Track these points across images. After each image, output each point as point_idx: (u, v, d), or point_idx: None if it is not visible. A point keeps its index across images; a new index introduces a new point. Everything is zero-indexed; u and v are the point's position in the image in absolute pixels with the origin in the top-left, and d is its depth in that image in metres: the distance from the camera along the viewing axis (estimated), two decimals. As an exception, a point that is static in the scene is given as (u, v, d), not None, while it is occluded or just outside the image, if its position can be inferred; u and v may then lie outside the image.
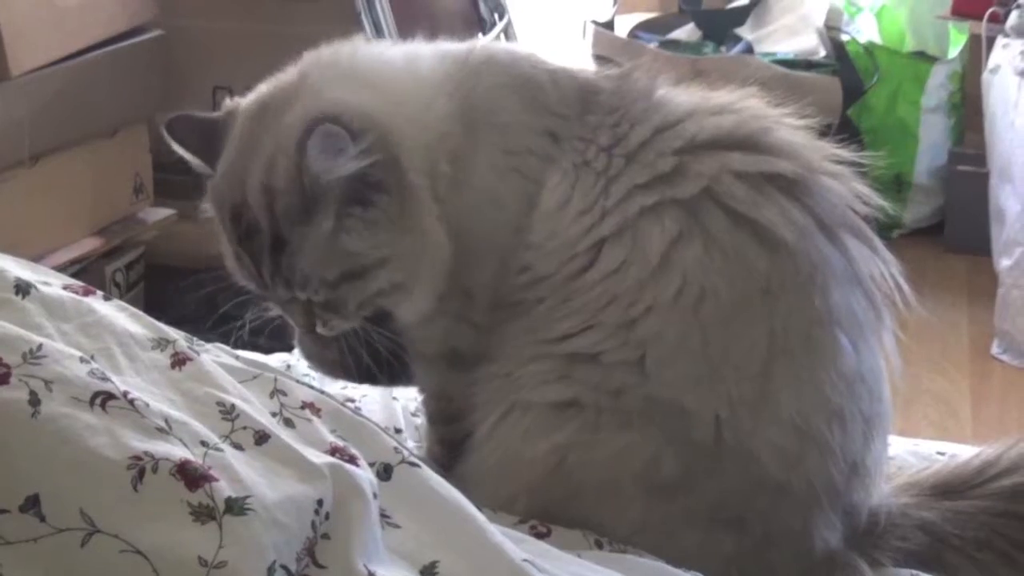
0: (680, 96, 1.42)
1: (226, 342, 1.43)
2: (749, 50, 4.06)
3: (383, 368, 1.47)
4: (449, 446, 1.46)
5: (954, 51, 4.12)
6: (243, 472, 1.08)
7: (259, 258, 1.35)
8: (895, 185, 3.95)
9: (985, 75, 3.59)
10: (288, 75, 1.42)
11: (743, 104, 1.42)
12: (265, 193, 1.33)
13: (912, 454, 1.67)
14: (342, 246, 1.33)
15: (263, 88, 1.42)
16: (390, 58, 1.44)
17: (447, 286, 1.40)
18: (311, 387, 1.29)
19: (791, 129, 1.41)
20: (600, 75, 1.46)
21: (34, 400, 1.06)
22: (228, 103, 1.44)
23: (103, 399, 1.09)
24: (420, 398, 1.55)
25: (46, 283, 1.24)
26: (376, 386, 1.63)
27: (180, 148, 1.44)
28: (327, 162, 1.30)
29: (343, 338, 1.43)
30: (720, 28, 4.21)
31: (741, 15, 4.24)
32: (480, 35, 3.46)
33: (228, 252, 1.39)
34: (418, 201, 1.36)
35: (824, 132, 1.44)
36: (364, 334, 1.41)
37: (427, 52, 1.45)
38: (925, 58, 4.09)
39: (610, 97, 1.41)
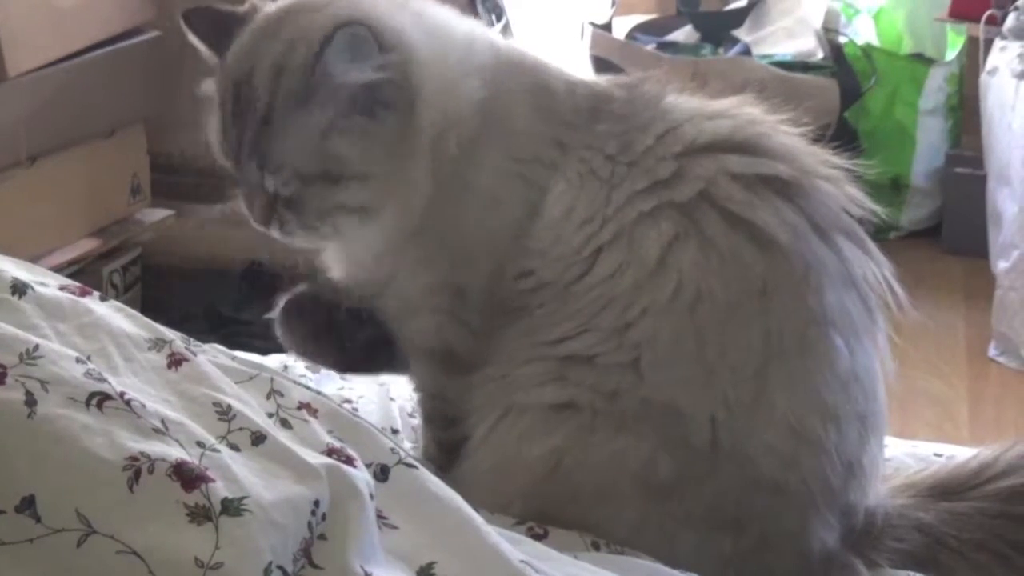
0: (684, 102, 1.43)
1: (223, 342, 1.43)
2: (747, 52, 4.06)
3: (364, 355, 1.47)
4: (446, 448, 1.46)
5: (951, 53, 4.12)
6: (239, 473, 1.08)
7: (244, 132, 1.34)
8: (892, 187, 3.95)
9: (983, 77, 3.59)
10: None
11: (741, 110, 1.42)
12: (274, 70, 1.33)
13: (909, 455, 1.67)
14: (332, 147, 1.33)
15: None
16: (452, 22, 1.44)
17: (402, 242, 1.39)
18: (308, 388, 1.29)
19: (787, 134, 1.41)
20: (613, 84, 1.46)
21: (30, 400, 1.06)
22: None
23: (99, 400, 1.09)
24: (417, 397, 1.55)
25: (43, 284, 1.24)
26: (359, 374, 1.63)
27: (194, 37, 1.44)
28: (345, 63, 1.31)
29: (322, 322, 1.43)
30: (718, 30, 4.22)
31: (739, 17, 4.24)
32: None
33: (215, 126, 1.39)
34: (418, 140, 1.36)
35: (821, 135, 1.44)
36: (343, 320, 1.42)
37: (482, 34, 1.47)
38: (923, 60, 4.09)
39: (621, 106, 1.42)
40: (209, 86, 1.41)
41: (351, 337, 1.47)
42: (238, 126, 1.35)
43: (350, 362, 1.53)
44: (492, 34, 1.50)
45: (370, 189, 1.36)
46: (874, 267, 1.40)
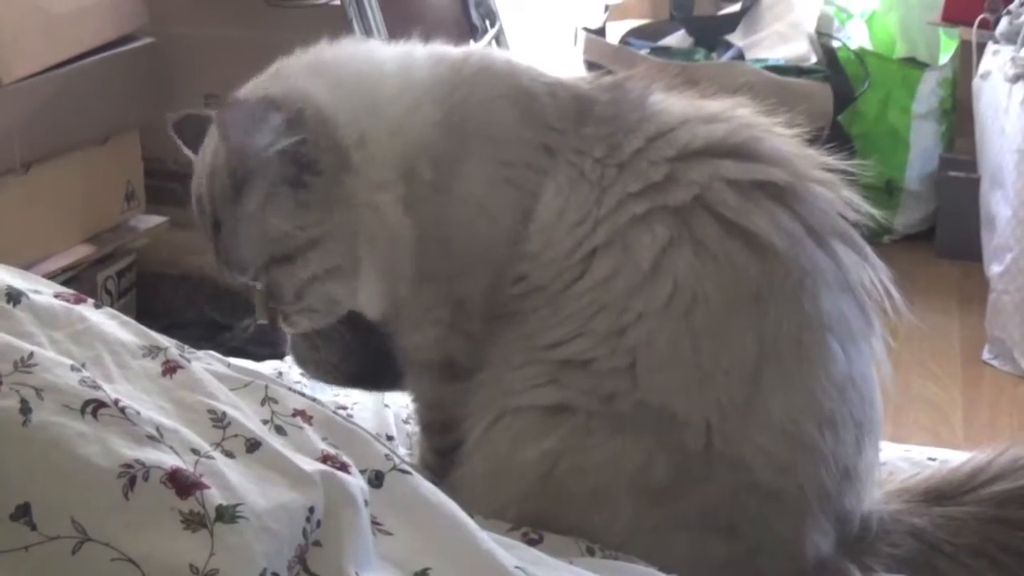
0: (673, 104, 1.43)
1: (217, 349, 1.43)
2: (740, 56, 4.06)
3: (373, 373, 1.47)
4: (443, 455, 1.46)
5: (945, 57, 4.12)
6: (234, 480, 1.08)
7: (212, 243, 1.39)
8: (886, 191, 3.95)
9: (976, 81, 3.59)
10: (266, 71, 1.45)
11: (734, 112, 1.42)
12: (209, 174, 1.38)
13: (903, 460, 1.67)
14: (270, 227, 1.36)
15: (247, 84, 1.45)
16: (379, 57, 1.45)
17: (416, 278, 1.39)
18: (302, 395, 1.29)
19: (782, 137, 1.41)
20: (595, 85, 1.46)
21: (25, 408, 1.06)
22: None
23: (94, 407, 1.09)
24: (413, 407, 1.55)
25: (37, 291, 1.24)
26: (369, 391, 1.63)
27: (185, 148, 1.48)
28: (247, 135, 1.33)
29: (329, 341, 1.44)
30: (711, 35, 4.22)
31: (732, 22, 4.24)
32: (471, 42, 3.47)
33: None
34: (361, 183, 1.37)
35: (815, 139, 1.44)
36: (348, 336, 1.42)
37: (422, 55, 1.46)
38: (916, 64, 4.09)
39: (605, 108, 1.42)
40: None
41: (363, 353, 1.47)
42: (210, 240, 1.40)
43: (363, 377, 1.53)
44: (440, 49, 1.48)
45: (329, 251, 1.38)
46: (871, 272, 1.40)
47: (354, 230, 1.37)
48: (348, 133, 1.37)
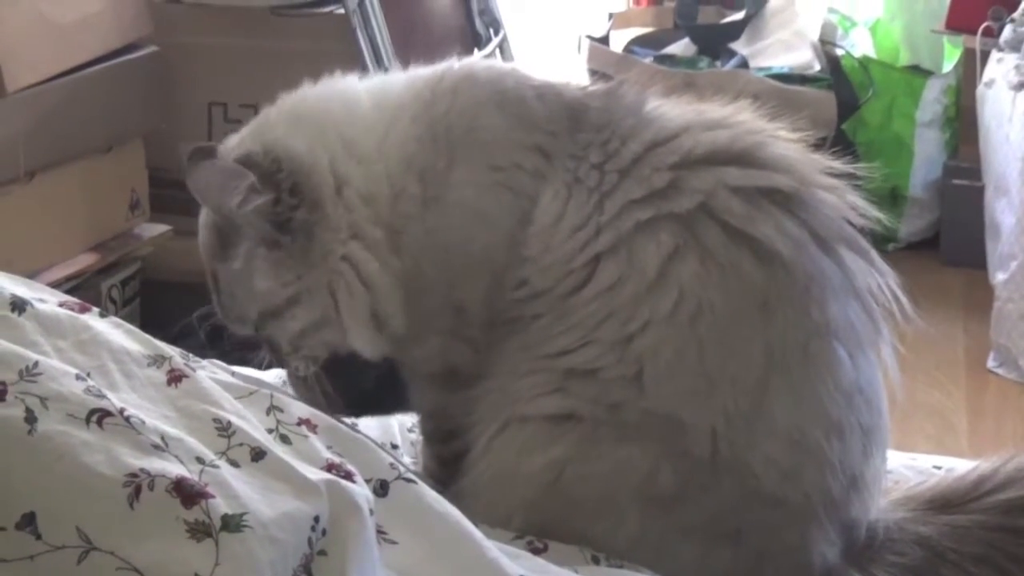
0: (671, 110, 1.42)
1: (222, 358, 1.43)
2: (744, 65, 4.07)
3: (375, 402, 1.48)
4: (446, 464, 1.46)
5: (948, 65, 4.13)
6: (239, 489, 1.08)
7: (213, 294, 1.44)
8: (890, 199, 3.95)
9: (980, 89, 3.59)
10: (253, 120, 1.47)
11: (737, 119, 1.42)
12: (201, 228, 1.43)
13: (909, 468, 1.66)
14: (255, 286, 1.39)
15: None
16: (351, 95, 1.47)
17: (408, 306, 1.40)
18: (307, 403, 1.29)
19: (785, 143, 1.41)
20: (587, 91, 1.46)
21: (30, 417, 1.06)
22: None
23: (99, 416, 1.08)
24: (417, 416, 1.54)
25: (42, 300, 1.24)
26: (374, 416, 1.63)
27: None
28: (220, 198, 1.37)
29: (324, 379, 1.46)
30: (715, 43, 4.22)
31: (736, 30, 4.25)
32: (475, 50, 3.47)
33: None
34: (332, 234, 1.39)
35: (818, 146, 1.44)
36: (344, 373, 1.44)
37: (398, 80, 1.48)
38: (920, 72, 4.09)
39: (599, 114, 1.41)
40: None
41: (365, 379, 1.48)
42: (212, 291, 1.45)
43: (366, 403, 1.54)
44: (416, 71, 1.49)
45: (309, 307, 1.40)
46: (878, 277, 1.39)
47: (331, 286, 1.39)
48: (325, 182, 1.39)
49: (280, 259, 1.38)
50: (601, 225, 1.36)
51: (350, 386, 1.48)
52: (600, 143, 1.39)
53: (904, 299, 1.40)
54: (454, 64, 1.48)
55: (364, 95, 1.46)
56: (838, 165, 1.41)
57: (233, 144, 1.43)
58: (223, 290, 1.42)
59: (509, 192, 1.39)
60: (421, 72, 1.48)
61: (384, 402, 1.52)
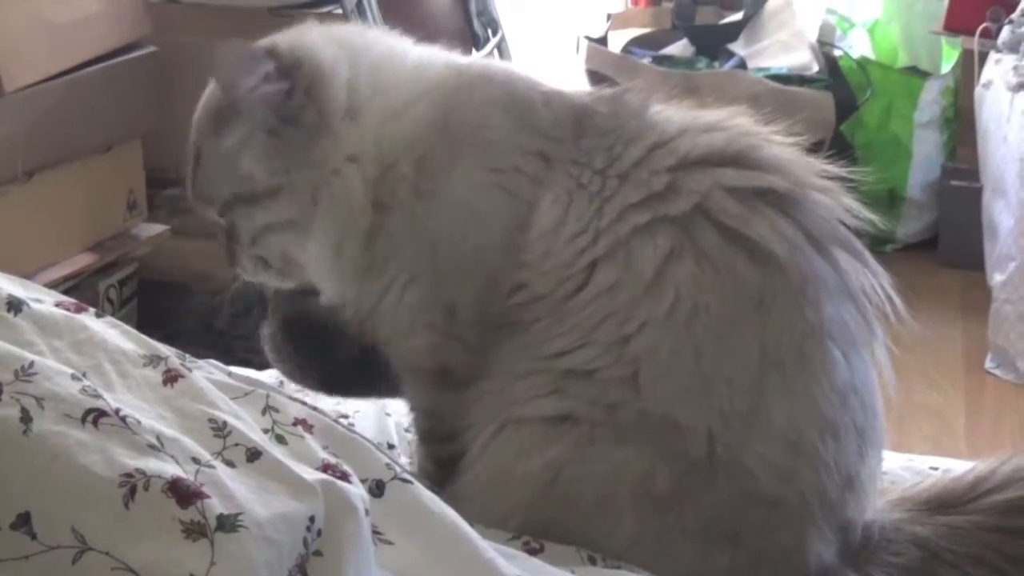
0: (673, 114, 1.43)
1: (218, 358, 1.43)
2: (742, 65, 4.07)
3: (345, 380, 1.48)
4: (441, 464, 1.46)
5: (947, 66, 4.13)
6: (235, 489, 1.08)
7: (189, 173, 1.46)
8: (888, 200, 3.95)
9: (978, 90, 3.59)
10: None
11: (733, 122, 1.42)
12: (201, 105, 1.45)
13: (906, 469, 1.66)
14: (240, 166, 1.40)
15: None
16: (398, 48, 1.49)
17: (359, 251, 1.42)
18: (303, 404, 1.29)
19: (781, 146, 1.41)
20: (594, 97, 1.46)
21: (26, 417, 1.06)
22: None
23: (95, 416, 1.08)
24: (411, 416, 1.54)
25: (38, 300, 1.24)
26: (344, 396, 1.64)
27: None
28: (234, 78, 1.39)
29: (304, 341, 1.47)
30: (713, 43, 4.22)
31: (734, 31, 4.25)
32: (473, 51, 3.47)
33: None
34: (335, 147, 1.40)
35: (817, 149, 1.44)
36: (323, 339, 1.44)
37: (440, 58, 1.49)
38: (918, 73, 4.10)
39: (605, 119, 1.42)
40: None
41: (338, 358, 1.48)
42: (189, 168, 1.46)
43: (336, 383, 1.55)
44: (455, 57, 1.51)
45: (288, 203, 1.41)
46: (872, 279, 1.40)
47: (315, 190, 1.41)
48: (338, 98, 1.41)
49: (276, 148, 1.40)
50: (600, 230, 1.36)
51: (317, 356, 1.48)
52: (604, 148, 1.39)
53: (898, 300, 1.40)
54: (476, 60, 1.50)
55: (412, 56, 1.48)
56: (833, 168, 1.41)
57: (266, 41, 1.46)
58: (203, 165, 1.44)
59: (506, 195, 1.39)
60: (454, 59, 1.50)
61: (356, 383, 1.52)
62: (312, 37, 1.45)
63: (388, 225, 1.40)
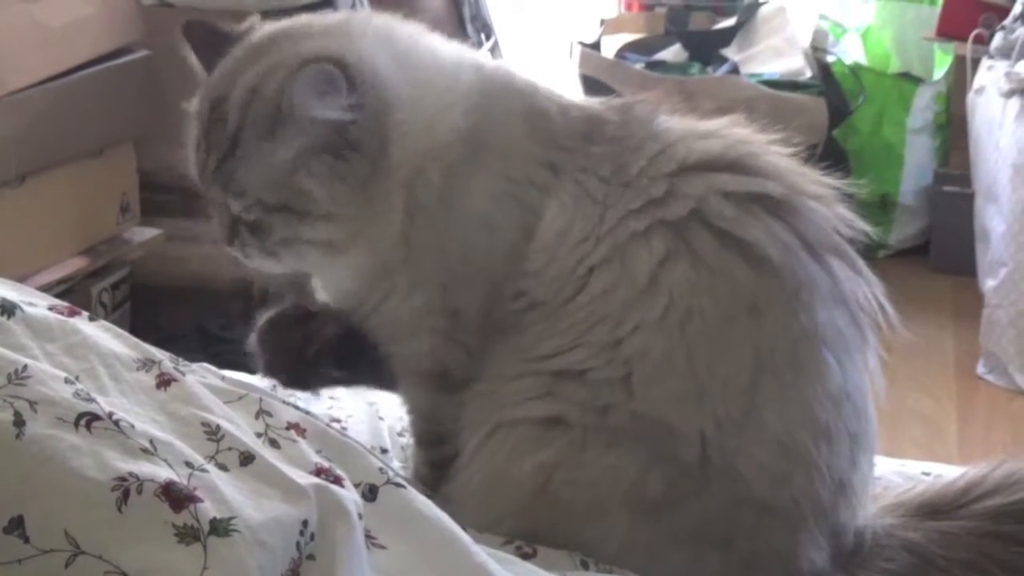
0: (677, 123, 1.43)
1: (212, 361, 1.43)
2: (735, 71, 4.07)
3: (338, 381, 1.48)
4: (438, 468, 1.46)
5: (939, 72, 4.14)
6: (228, 493, 1.07)
7: (211, 152, 1.36)
8: (881, 206, 3.96)
9: (970, 96, 3.60)
10: (332, 15, 1.45)
11: (731, 130, 1.43)
12: (249, 94, 1.35)
13: (898, 474, 1.67)
14: (297, 182, 1.34)
15: (302, 17, 1.44)
16: (439, 51, 1.45)
17: (377, 272, 1.40)
18: (296, 408, 1.29)
19: (778, 154, 1.42)
20: (606, 106, 1.46)
21: (19, 421, 1.06)
22: (252, 19, 1.46)
23: (88, 420, 1.08)
24: (408, 419, 1.54)
25: (31, 304, 1.23)
26: (316, 389, 1.63)
27: (189, 50, 1.46)
28: (310, 99, 1.32)
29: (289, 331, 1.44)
30: (706, 49, 4.23)
31: (727, 36, 4.25)
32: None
33: (191, 142, 1.40)
34: (392, 180, 1.36)
35: (809, 154, 1.44)
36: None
37: (469, 59, 1.47)
38: (910, 79, 4.10)
39: (615, 128, 1.42)
40: (194, 102, 1.42)
41: (322, 359, 1.48)
42: (208, 144, 1.37)
43: (310, 381, 1.54)
44: (479, 57, 1.50)
45: (336, 228, 1.37)
46: (865, 287, 1.40)
47: (367, 219, 1.37)
48: (401, 125, 1.36)
49: (341, 174, 1.34)
50: (600, 237, 1.36)
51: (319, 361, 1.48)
52: (612, 156, 1.39)
53: (891, 309, 1.41)
54: (501, 66, 1.49)
55: (448, 59, 1.44)
56: (828, 178, 1.42)
57: (328, 46, 1.38)
58: (245, 160, 1.35)
59: (517, 205, 1.39)
60: (480, 61, 1.48)
61: (325, 374, 1.52)
62: (370, 50, 1.38)
63: (412, 231, 1.39)
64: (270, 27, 1.43)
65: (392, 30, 1.44)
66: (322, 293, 1.49)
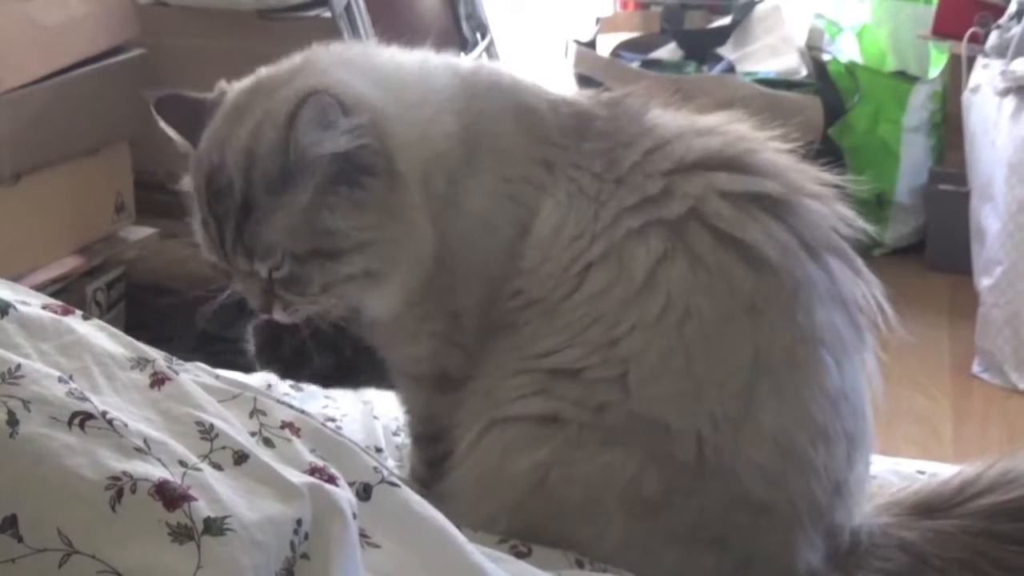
0: (670, 118, 1.43)
1: (206, 361, 1.43)
2: (731, 69, 4.07)
3: (334, 371, 1.48)
4: (435, 467, 1.46)
5: (935, 71, 4.14)
6: (222, 492, 1.07)
7: (224, 224, 1.33)
8: (876, 204, 3.96)
9: (966, 95, 3.60)
10: (291, 60, 1.42)
11: (729, 127, 1.42)
12: (245, 156, 1.32)
13: (893, 473, 1.67)
14: (322, 223, 1.32)
15: (262, 70, 1.42)
16: (402, 61, 1.44)
17: (422, 292, 1.39)
18: (291, 407, 1.29)
19: (776, 152, 1.42)
20: (595, 101, 1.46)
21: (12, 420, 1.06)
22: (221, 84, 1.43)
23: (82, 419, 1.08)
24: (405, 419, 1.54)
25: (25, 303, 1.23)
26: (324, 388, 1.63)
27: (166, 125, 1.43)
28: (316, 134, 1.29)
29: (292, 335, 1.43)
30: (702, 48, 4.23)
31: (723, 35, 4.25)
32: (462, 55, 3.47)
33: (197, 222, 1.37)
34: (407, 191, 1.35)
35: (805, 153, 1.44)
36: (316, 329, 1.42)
37: (439, 64, 1.45)
38: (906, 78, 4.10)
39: (605, 123, 1.42)
40: (187, 181, 1.39)
41: (319, 353, 1.47)
42: (217, 218, 1.34)
43: (319, 376, 1.54)
44: (453, 60, 1.48)
45: (374, 255, 1.35)
46: (864, 287, 1.40)
47: (399, 238, 1.35)
48: (397, 137, 1.35)
49: (360, 201, 1.33)
50: (596, 234, 1.36)
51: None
52: (603, 152, 1.39)
53: (889, 310, 1.40)
54: (484, 65, 1.48)
55: (410, 67, 1.43)
56: (827, 176, 1.42)
57: (314, 83, 1.35)
58: (259, 220, 1.31)
59: (514, 204, 1.39)
60: (455, 63, 1.47)
61: (344, 375, 1.52)
62: (344, 77, 1.37)
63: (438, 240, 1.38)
64: (239, 86, 1.40)
65: (350, 53, 1.44)
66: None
